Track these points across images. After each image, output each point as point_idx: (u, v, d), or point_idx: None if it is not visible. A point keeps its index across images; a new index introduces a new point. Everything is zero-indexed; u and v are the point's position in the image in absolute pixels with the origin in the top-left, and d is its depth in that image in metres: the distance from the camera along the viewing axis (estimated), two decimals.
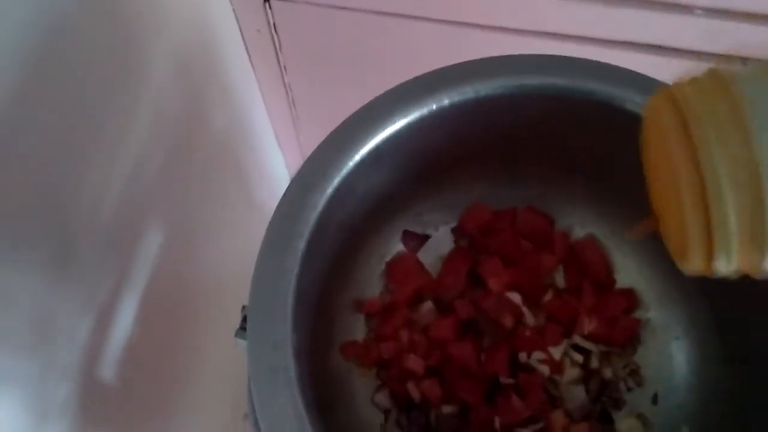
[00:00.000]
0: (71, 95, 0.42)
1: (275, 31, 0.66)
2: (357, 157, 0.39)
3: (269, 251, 0.36)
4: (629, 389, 0.48)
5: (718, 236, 0.24)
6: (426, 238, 0.52)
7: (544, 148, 0.46)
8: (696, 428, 0.45)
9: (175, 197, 0.59)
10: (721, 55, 0.50)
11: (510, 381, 0.47)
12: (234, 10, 0.65)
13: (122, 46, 0.48)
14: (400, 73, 0.41)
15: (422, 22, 0.58)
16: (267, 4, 0.63)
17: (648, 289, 0.50)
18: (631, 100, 0.39)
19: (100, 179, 0.46)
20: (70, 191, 0.43)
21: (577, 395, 0.47)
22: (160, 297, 0.57)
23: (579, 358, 0.48)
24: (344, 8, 0.60)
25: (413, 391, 0.46)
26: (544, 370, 0.47)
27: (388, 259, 0.51)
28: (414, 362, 0.46)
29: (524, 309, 0.48)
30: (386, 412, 0.47)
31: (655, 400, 0.47)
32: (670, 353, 0.48)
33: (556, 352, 0.48)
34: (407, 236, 0.52)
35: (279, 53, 0.69)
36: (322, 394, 0.40)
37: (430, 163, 0.46)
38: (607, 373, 0.48)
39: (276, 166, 0.88)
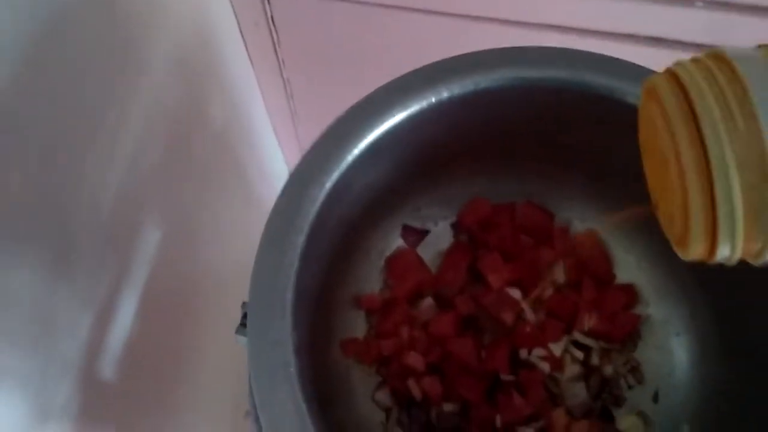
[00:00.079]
0: (69, 92, 0.42)
1: (273, 24, 0.66)
2: (356, 152, 0.38)
3: (268, 247, 0.36)
4: (630, 387, 0.48)
5: (722, 220, 0.23)
6: (425, 233, 0.52)
7: (543, 142, 0.46)
8: (697, 426, 0.45)
9: (173, 193, 0.59)
10: None
11: (510, 378, 0.47)
12: (232, 3, 0.65)
13: (119, 41, 0.47)
14: (399, 66, 0.40)
15: (422, 15, 0.58)
16: None
17: (648, 284, 0.49)
18: (632, 93, 0.39)
19: (98, 176, 0.46)
20: (69, 189, 0.43)
21: (577, 393, 0.47)
22: (159, 294, 0.57)
23: (579, 354, 0.48)
24: (343, 1, 0.60)
25: (414, 388, 0.46)
26: (545, 367, 0.47)
27: (387, 254, 0.51)
28: (414, 359, 0.46)
29: (524, 305, 0.48)
30: (387, 410, 0.47)
31: (655, 397, 0.47)
32: (671, 349, 0.48)
33: (557, 349, 0.48)
34: (407, 231, 0.51)
35: (277, 47, 0.69)
36: (323, 390, 0.40)
37: (430, 158, 0.45)
38: (608, 370, 0.48)
39: (275, 162, 0.88)
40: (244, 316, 0.39)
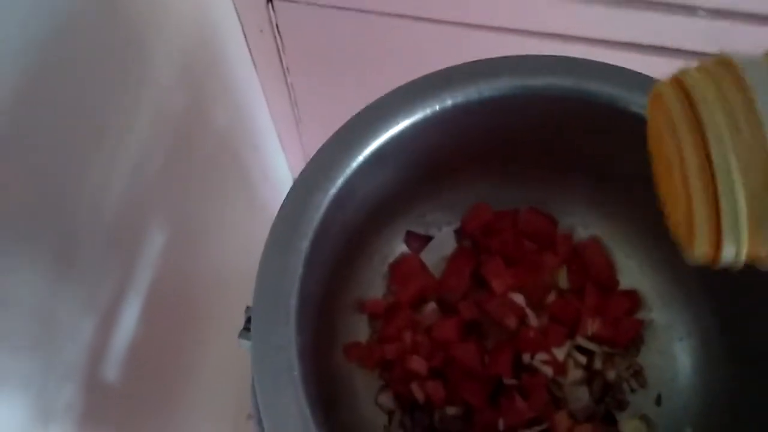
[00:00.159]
0: (73, 94, 0.42)
1: (278, 31, 0.66)
2: (360, 158, 0.38)
3: (273, 252, 0.36)
4: (633, 390, 0.48)
5: (726, 224, 0.23)
6: (429, 239, 0.52)
7: (547, 149, 0.46)
8: (699, 430, 0.45)
9: (176, 197, 0.59)
10: None
11: (513, 382, 0.47)
12: (236, 9, 0.65)
13: (124, 46, 0.48)
14: (403, 73, 0.41)
15: (425, 23, 0.58)
16: (270, 4, 0.63)
17: (651, 290, 0.50)
18: (635, 102, 0.39)
19: (101, 178, 0.46)
20: (72, 191, 0.43)
21: (580, 396, 0.47)
22: (162, 297, 0.57)
23: (582, 359, 0.48)
24: (347, 9, 0.60)
25: (417, 392, 0.46)
26: (548, 371, 0.47)
27: (391, 260, 0.51)
28: (417, 363, 0.46)
29: (527, 310, 0.48)
30: (390, 414, 0.47)
31: (658, 401, 0.47)
32: (674, 354, 0.48)
33: (560, 353, 0.48)
34: (410, 237, 0.52)
35: (282, 53, 0.69)
36: (326, 394, 0.40)
37: (433, 164, 0.46)
38: (611, 374, 0.48)
39: (278, 167, 0.88)
40: (248, 320, 0.39)
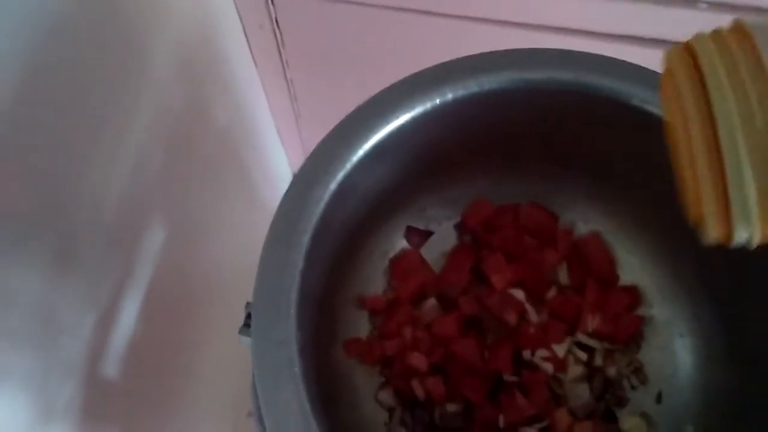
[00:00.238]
0: (73, 93, 0.42)
1: (277, 26, 0.66)
2: (360, 152, 0.38)
3: (273, 247, 0.36)
4: (633, 387, 0.48)
5: (735, 204, 0.23)
6: (429, 234, 0.52)
7: (547, 143, 0.46)
8: (700, 427, 0.45)
9: (177, 194, 0.59)
10: None
11: (514, 379, 0.47)
12: (236, 5, 0.65)
13: (123, 43, 0.48)
14: (403, 68, 0.40)
15: (426, 17, 0.58)
16: (269, 0, 0.63)
17: (651, 286, 0.49)
18: (636, 96, 0.39)
19: (102, 176, 0.46)
20: (72, 189, 0.43)
21: (580, 393, 0.47)
22: (163, 294, 0.57)
23: (583, 355, 0.48)
24: (347, 3, 0.60)
25: (417, 388, 0.46)
26: (548, 367, 0.47)
27: (391, 255, 0.51)
28: (417, 359, 0.46)
29: (528, 306, 0.48)
30: (390, 410, 0.47)
31: (659, 398, 0.47)
32: (674, 351, 0.48)
33: (560, 350, 0.48)
34: (410, 232, 0.51)
35: (281, 49, 0.69)
36: (327, 390, 0.40)
37: (434, 158, 0.45)
38: (611, 371, 0.48)
39: (278, 163, 0.88)
40: (248, 316, 0.39)
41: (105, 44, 0.45)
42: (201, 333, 0.67)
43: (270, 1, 0.63)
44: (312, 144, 0.38)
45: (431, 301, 0.49)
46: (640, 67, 0.40)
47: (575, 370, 0.48)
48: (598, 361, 0.48)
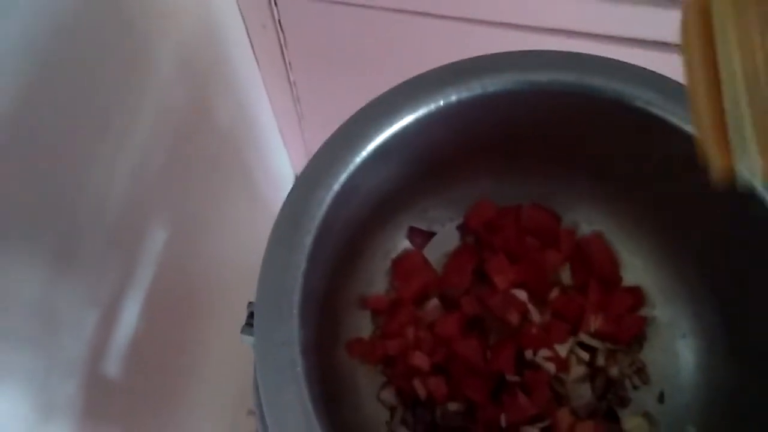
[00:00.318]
0: (75, 93, 0.42)
1: (280, 27, 0.66)
2: (364, 154, 0.38)
3: (276, 248, 0.36)
4: (635, 387, 0.48)
5: (734, 137, 0.23)
6: (432, 234, 0.52)
7: (550, 144, 0.46)
8: (702, 427, 0.45)
9: (179, 194, 0.59)
10: None
11: (516, 378, 0.47)
12: (239, 6, 0.65)
13: (126, 43, 0.48)
14: (406, 69, 0.40)
15: (429, 19, 0.58)
16: (272, 1, 0.63)
17: (654, 286, 0.49)
18: (639, 98, 0.39)
19: (104, 176, 0.46)
20: (74, 188, 0.43)
21: (583, 393, 0.47)
22: (164, 293, 0.57)
23: (585, 355, 0.48)
24: (350, 4, 0.60)
25: (419, 388, 0.46)
26: (550, 367, 0.47)
27: (393, 256, 0.51)
28: (419, 359, 0.46)
29: (530, 306, 0.48)
30: (392, 409, 0.47)
31: (661, 398, 0.47)
32: (676, 351, 0.48)
33: (562, 350, 0.48)
34: (413, 233, 0.52)
35: (284, 50, 0.69)
36: (329, 390, 0.40)
37: (437, 160, 0.45)
38: (613, 371, 0.48)
39: (280, 164, 0.88)
40: (250, 315, 0.39)
41: (108, 44, 0.45)
42: (202, 332, 0.67)
43: (273, 2, 0.63)
44: (314, 145, 0.39)
45: (434, 302, 0.49)
46: (643, 69, 0.40)
47: (577, 370, 0.48)
48: (601, 361, 0.48)
